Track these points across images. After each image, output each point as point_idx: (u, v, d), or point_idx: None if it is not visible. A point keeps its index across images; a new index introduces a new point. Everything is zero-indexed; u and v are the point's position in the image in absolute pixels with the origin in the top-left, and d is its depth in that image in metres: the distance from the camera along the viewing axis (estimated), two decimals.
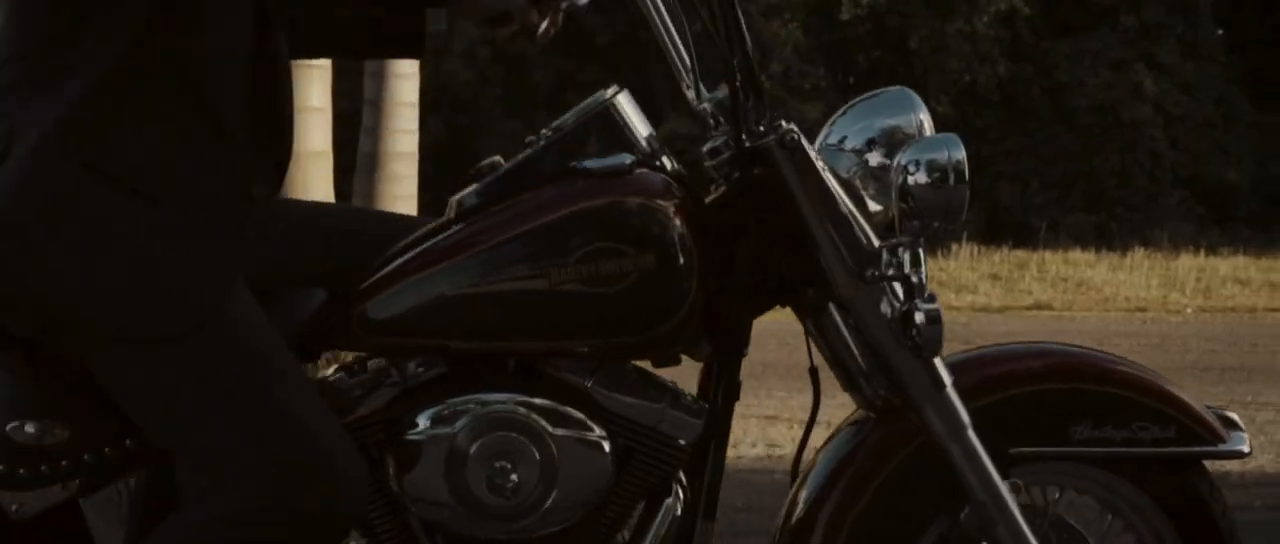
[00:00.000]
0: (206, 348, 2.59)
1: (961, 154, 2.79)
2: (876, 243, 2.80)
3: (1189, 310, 17.75)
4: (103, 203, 2.57)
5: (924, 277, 2.76)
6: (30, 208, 2.56)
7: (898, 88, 2.98)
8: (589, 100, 2.88)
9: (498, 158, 2.89)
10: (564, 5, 2.86)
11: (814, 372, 2.94)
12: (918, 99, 2.93)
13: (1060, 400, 2.92)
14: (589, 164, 2.78)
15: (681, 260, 2.73)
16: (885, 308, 2.80)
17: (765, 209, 2.83)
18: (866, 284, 2.79)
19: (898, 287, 2.79)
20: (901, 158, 2.80)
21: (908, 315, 2.75)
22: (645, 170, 2.80)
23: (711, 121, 2.93)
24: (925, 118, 2.91)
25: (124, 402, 2.64)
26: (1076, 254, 20.04)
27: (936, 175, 2.78)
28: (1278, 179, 23.55)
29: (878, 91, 2.99)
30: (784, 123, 2.82)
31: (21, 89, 2.60)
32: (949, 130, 2.88)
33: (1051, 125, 25.84)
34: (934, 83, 25.15)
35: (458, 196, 2.84)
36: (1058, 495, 2.97)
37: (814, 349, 2.95)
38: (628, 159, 2.79)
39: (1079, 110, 25.59)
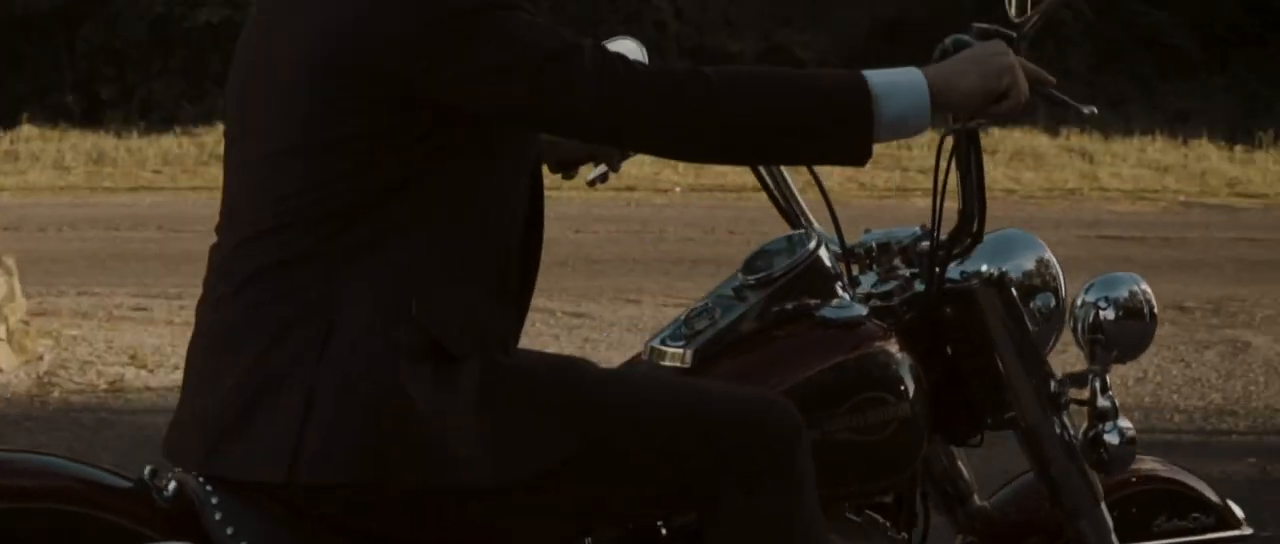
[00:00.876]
0: (610, 407, 2.60)
1: (1147, 288, 3.04)
2: (1056, 372, 3.03)
3: (678, 190, 17.35)
4: (437, 365, 2.49)
5: (1115, 401, 3.00)
6: (380, 381, 2.46)
7: (1014, 229, 3.12)
8: (793, 250, 2.91)
9: (706, 304, 2.88)
10: (630, 156, 3.09)
11: (924, 496, 3.05)
12: (1037, 238, 3.10)
13: (1146, 500, 3.27)
14: (826, 314, 2.83)
15: (922, 404, 2.83)
16: (1058, 428, 3.03)
17: (948, 345, 2.96)
18: (1057, 411, 3.01)
19: (1068, 411, 3.04)
20: (1086, 296, 3.03)
21: (1098, 437, 2.99)
22: (871, 318, 2.86)
23: (871, 265, 3.04)
24: (1050, 255, 3.09)
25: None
26: None
27: (1124, 312, 3.03)
28: (781, 49, 24.44)
29: (995, 233, 3.06)
30: (985, 267, 2.98)
31: (341, 253, 2.50)
32: None
33: None
34: None
35: (661, 344, 2.83)
36: None
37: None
38: (861, 309, 2.86)
39: None
